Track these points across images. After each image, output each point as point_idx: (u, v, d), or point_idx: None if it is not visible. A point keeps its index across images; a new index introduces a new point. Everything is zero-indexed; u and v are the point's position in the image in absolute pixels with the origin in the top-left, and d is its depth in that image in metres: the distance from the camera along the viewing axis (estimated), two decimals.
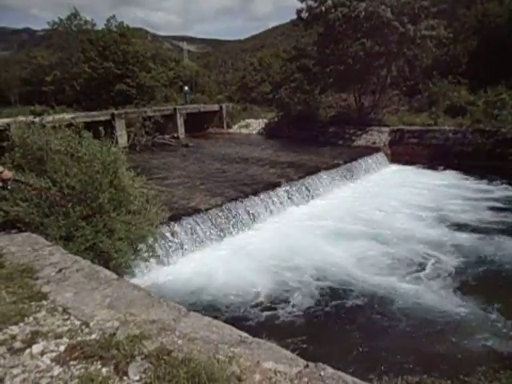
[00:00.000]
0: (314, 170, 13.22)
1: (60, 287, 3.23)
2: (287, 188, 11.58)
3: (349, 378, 2.24)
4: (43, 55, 33.88)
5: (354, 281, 7.25)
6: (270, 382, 2.13)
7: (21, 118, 12.34)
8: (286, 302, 6.69)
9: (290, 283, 7.24)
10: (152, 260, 6.92)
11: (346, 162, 14.60)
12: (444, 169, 15.52)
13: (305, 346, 5.30)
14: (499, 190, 12.76)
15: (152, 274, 7.36)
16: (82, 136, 5.97)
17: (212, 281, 7.28)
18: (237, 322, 5.63)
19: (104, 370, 2.18)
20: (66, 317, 2.78)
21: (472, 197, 12.13)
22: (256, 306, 6.57)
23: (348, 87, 21.73)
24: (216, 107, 25.23)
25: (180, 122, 22.30)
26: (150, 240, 6.20)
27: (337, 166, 14.12)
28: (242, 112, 26.86)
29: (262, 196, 10.69)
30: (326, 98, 23.51)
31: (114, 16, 30.46)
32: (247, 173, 13.16)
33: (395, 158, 17.10)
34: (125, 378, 2.13)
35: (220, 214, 9.41)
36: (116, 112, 19.55)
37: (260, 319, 6.19)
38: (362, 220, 10.27)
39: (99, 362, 2.24)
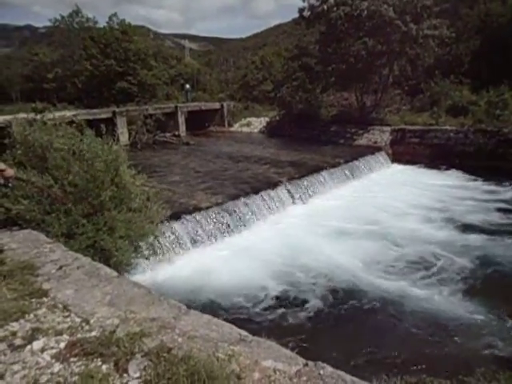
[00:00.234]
0: (315, 169, 13.21)
1: (60, 284, 3.24)
2: (288, 187, 11.58)
3: (348, 376, 2.25)
4: (45, 52, 33.86)
5: (355, 279, 7.27)
6: (269, 381, 2.14)
7: (22, 115, 12.35)
8: (291, 302, 6.70)
9: (293, 283, 7.25)
10: (152, 258, 6.93)
11: (347, 162, 14.59)
12: (446, 169, 15.50)
13: (309, 345, 5.32)
14: (505, 191, 12.70)
15: (152, 272, 7.36)
16: (83, 134, 5.98)
17: (212, 279, 7.29)
18: (236, 321, 5.65)
19: (104, 367, 2.20)
20: (67, 314, 2.79)
21: (475, 197, 12.12)
22: (255, 305, 6.58)
23: (350, 86, 21.71)
24: (217, 105, 25.22)
25: (181, 120, 22.29)
26: (151, 238, 6.21)
27: (338, 165, 14.11)
28: (244, 110, 26.83)
29: (263, 195, 10.69)
30: (328, 96, 23.47)
31: (116, 13, 30.41)
32: (248, 171, 13.15)
33: (396, 158, 17.07)
34: (125, 375, 2.14)
35: (221, 212, 9.41)
36: (117, 110, 19.55)
37: (258, 320, 6.21)
38: (364, 219, 10.27)
39: (99, 359, 2.25)
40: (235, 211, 9.69)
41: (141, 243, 6.06)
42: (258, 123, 24.47)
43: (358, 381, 2.22)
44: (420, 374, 3.62)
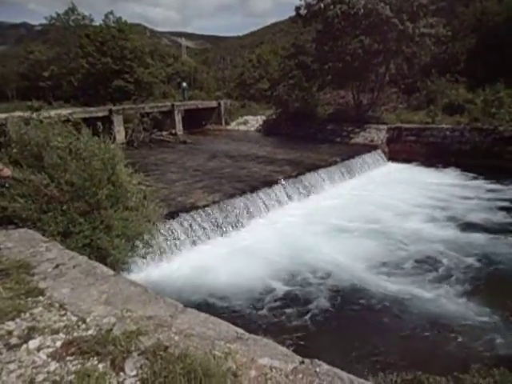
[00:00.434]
0: (312, 168, 13.23)
1: (57, 283, 3.24)
2: (286, 185, 11.59)
3: (344, 374, 2.26)
4: (41, 50, 33.66)
5: (353, 277, 7.29)
6: (265, 378, 2.15)
7: (18, 114, 12.29)
8: (287, 300, 6.72)
9: (290, 282, 7.27)
10: (149, 256, 6.92)
11: (343, 160, 14.61)
12: (442, 167, 15.55)
13: (306, 343, 5.34)
14: (503, 190, 12.76)
15: (149, 271, 7.36)
16: (80, 132, 5.96)
17: (210, 278, 7.30)
18: (233, 319, 5.66)
19: (100, 365, 2.20)
20: (63, 312, 2.78)
21: (472, 195, 12.18)
22: (252, 303, 6.59)
23: (346, 84, 21.72)
24: (214, 104, 25.17)
25: (178, 118, 22.24)
26: (148, 236, 6.21)
27: (335, 163, 14.14)
28: (241, 109, 26.80)
29: (260, 193, 10.69)
30: (324, 95, 23.49)
31: (112, 11, 30.25)
32: (245, 170, 13.15)
33: (393, 156, 17.12)
34: (121, 373, 2.14)
35: (218, 210, 9.41)
36: (114, 108, 19.48)
37: (255, 318, 6.22)
38: (361, 217, 10.29)
39: (96, 358, 2.25)
40: (232, 210, 9.69)
41: (137, 242, 6.05)
42: (254, 121, 24.46)
43: (354, 378, 2.24)
44: (417, 372, 3.63)
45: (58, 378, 2.10)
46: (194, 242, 8.53)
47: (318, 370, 2.26)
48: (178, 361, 2.15)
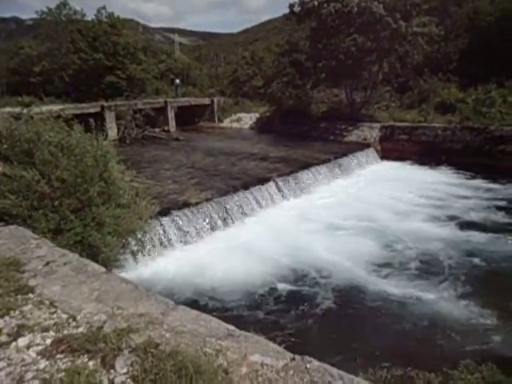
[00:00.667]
0: (305, 165, 13.26)
1: (47, 280, 3.21)
2: (279, 182, 11.60)
3: (334, 370, 2.28)
4: (31, 45, 33.15)
5: (347, 272, 7.34)
6: (256, 375, 2.16)
7: (8, 109, 12.14)
8: (282, 298, 6.73)
9: (284, 279, 7.29)
10: (141, 254, 6.90)
11: (337, 158, 14.67)
12: (434, 165, 15.67)
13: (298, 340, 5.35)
14: (494, 188, 12.93)
15: (141, 268, 7.33)
16: (72, 128, 5.91)
17: (204, 275, 7.29)
18: (225, 316, 5.67)
19: (91, 363, 2.18)
20: (53, 310, 2.76)
21: (463, 193, 12.33)
22: (246, 300, 6.61)
23: (340, 82, 21.77)
24: (207, 101, 25.08)
25: (171, 115, 22.12)
26: (140, 234, 6.18)
27: (328, 161, 14.18)
28: (234, 106, 26.72)
29: (253, 190, 10.69)
30: (318, 93, 23.51)
31: (105, 6, 29.92)
32: (238, 167, 13.14)
33: (385, 155, 17.22)
34: (112, 371, 2.13)
35: (210, 207, 9.40)
36: (106, 104, 19.31)
37: (248, 314, 6.23)
38: (355, 215, 10.35)
39: (86, 356, 2.24)
40: (225, 207, 9.68)
41: (129, 239, 6.02)
42: (248, 119, 24.42)
43: (344, 374, 2.25)
44: (407, 368, 3.67)
45: (47, 375, 2.09)
46: (185, 239, 8.51)
47: (308, 366, 2.27)
48: (169, 358, 2.15)
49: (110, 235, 5.42)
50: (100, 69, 26.39)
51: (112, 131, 18.25)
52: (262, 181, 11.36)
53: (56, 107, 16.26)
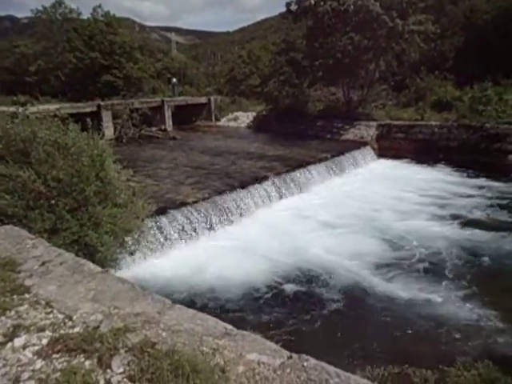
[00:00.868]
0: (302, 164, 13.26)
1: (43, 280, 3.19)
2: (276, 181, 11.59)
3: (331, 368, 2.28)
4: (27, 44, 32.99)
5: (343, 269, 7.35)
6: (253, 373, 2.15)
7: (3, 109, 12.07)
8: (277, 297, 6.74)
9: (279, 277, 7.30)
10: (138, 253, 6.89)
11: (333, 156, 14.68)
12: (431, 163, 15.71)
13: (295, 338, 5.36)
14: (488, 186, 12.99)
15: (139, 267, 7.32)
16: (68, 128, 5.88)
17: (199, 273, 7.29)
18: (222, 314, 5.67)
19: (87, 363, 2.17)
20: (49, 310, 2.75)
21: (459, 190, 12.39)
22: (241, 298, 6.61)
23: (337, 81, 21.79)
24: (204, 100, 25.04)
25: (168, 114, 22.07)
26: (137, 233, 6.17)
27: (325, 159, 14.18)
28: (231, 105, 26.71)
29: (250, 189, 10.68)
30: (315, 91, 23.51)
31: (100, 5, 29.79)
32: (235, 166, 13.13)
33: (382, 153, 17.25)
34: (108, 370, 2.12)
35: (207, 207, 9.38)
36: (102, 103, 19.24)
37: (245, 313, 6.23)
38: (352, 214, 10.37)
39: (82, 355, 2.23)
40: (221, 206, 9.67)
41: (126, 238, 6.01)
42: (245, 118, 24.40)
43: (341, 372, 2.26)
44: (404, 365, 3.68)
45: (43, 375, 2.08)
46: (183, 239, 8.50)
47: (305, 364, 2.27)
48: (166, 357, 2.14)
49: (107, 235, 5.41)
50: (96, 68, 26.30)
51: (109, 130, 18.19)
52: (259, 180, 11.35)
53: (52, 106, 16.18)
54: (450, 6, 25.48)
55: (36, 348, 2.33)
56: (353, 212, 10.51)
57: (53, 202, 5.09)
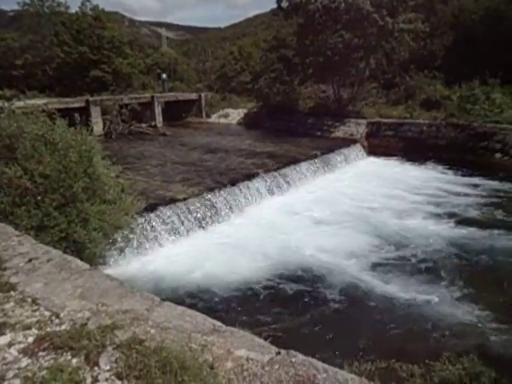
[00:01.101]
0: (292, 161, 13.29)
1: (29, 278, 3.16)
2: (266, 178, 11.60)
3: (319, 363, 2.31)
4: (13, 37, 32.39)
5: (336, 266, 7.41)
6: (241, 369, 2.17)
7: None
8: (271, 295, 6.76)
9: (274, 276, 7.32)
10: (127, 250, 6.85)
11: (323, 154, 14.73)
12: (420, 161, 15.84)
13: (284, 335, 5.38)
14: (474, 183, 13.18)
15: (127, 265, 7.27)
16: (55, 123, 5.81)
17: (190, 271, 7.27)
18: (212, 311, 5.67)
19: (74, 360, 2.16)
20: (35, 308, 2.72)
21: (446, 188, 12.52)
22: (234, 295, 6.62)
23: (327, 79, 21.84)
24: (195, 96, 24.89)
25: (157, 110, 21.90)
26: (126, 230, 6.13)
27: (315, 157, 14.23)
28: (222, 101, 26.59)
29: (240, 186, 10.67)
30: (306, 89, 23.56)
31: None
32: (226, 163, 13.10)
33: (372, 150, 17.36)
34: (95, 368, 2.11)
35: (198, 204, 9.35)
36: (91, 99, 19.02)
37: (234, 310, 6.25)
38: (342, 211, 10.43)
39: (69, 353, 2.22)
40: (211, 203, 9.65)
41: (116, 235, 5.97)
42: (235, 114, 24.34)
43: (328, 367, 2.28)
44: (390, 360, 3.72)
45: (29, 373, 2.06)
46: (173, 235, 8.46)
47: (293, 360, 2.29)
48: (154, 354, 2.14)
49: (96, 231, 5.37)
50: (85, 62, 25.96)
51: (97, 126, 17.99)
52: (250, 177, 11.34)
53: (39, 101, 15.92)
54: (440, 5, 25.69)
55: (22, 346, 2.31)
56: (345, 209, 10.57)
57: (39, 198, 5.03)
